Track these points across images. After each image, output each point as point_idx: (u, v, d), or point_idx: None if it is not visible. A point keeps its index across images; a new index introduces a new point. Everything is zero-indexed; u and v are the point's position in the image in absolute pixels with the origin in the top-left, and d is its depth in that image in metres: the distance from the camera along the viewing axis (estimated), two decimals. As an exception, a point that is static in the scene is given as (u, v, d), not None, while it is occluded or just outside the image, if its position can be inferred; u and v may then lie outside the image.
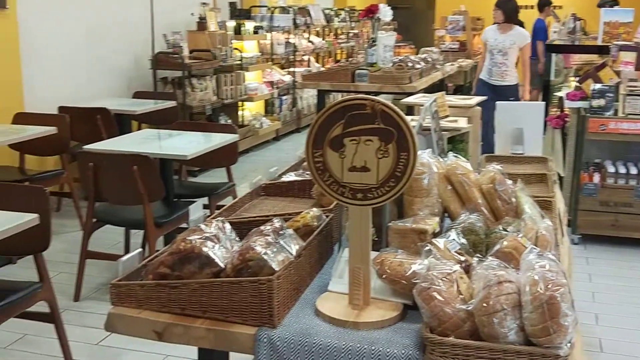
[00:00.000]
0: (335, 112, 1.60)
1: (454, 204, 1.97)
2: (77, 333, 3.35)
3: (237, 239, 1.79)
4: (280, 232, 1.75)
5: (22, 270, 4.03)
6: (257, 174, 2.66)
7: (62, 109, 5.22)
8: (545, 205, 2.40)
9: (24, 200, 2.75)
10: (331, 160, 1.62)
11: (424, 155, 1.92)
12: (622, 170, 4.60)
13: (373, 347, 1.47)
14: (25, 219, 2.49)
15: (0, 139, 4.20)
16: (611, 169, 4.62)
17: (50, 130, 4.46)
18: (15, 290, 2.68)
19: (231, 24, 7.81)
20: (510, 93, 6.30)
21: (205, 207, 4.13)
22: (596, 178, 4.59)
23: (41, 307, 2.89)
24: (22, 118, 4.82)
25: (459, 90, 8.85)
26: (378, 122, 1.57)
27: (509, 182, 2.04)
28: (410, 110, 3.85)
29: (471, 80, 8.86)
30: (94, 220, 3.84)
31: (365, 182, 1.61)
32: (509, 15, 6.38)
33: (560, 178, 5.15)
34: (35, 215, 2.52)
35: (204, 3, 7.27)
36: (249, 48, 8.36)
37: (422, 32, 14.12)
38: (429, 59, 6.96)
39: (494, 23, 6.56)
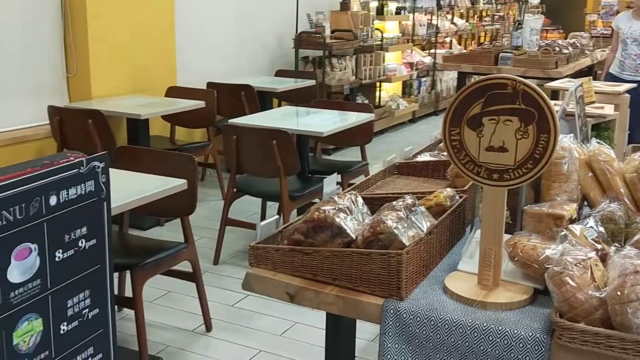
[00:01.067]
0: (476, 90, 1.60)
1: (594, 192, 1.91)
2: (215, 294, 3.56)
3: (369, 212, 1.84)
4: (412, 208, 1.77)
5: (168, 232, 4.34)
6: (391, 154, 2.69)
7: (210, 84, 5.51)
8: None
9: (175, 167, 2.95)
10: (468, 139, 1.62)
11: (565, 140, 1.87)
12: None
13: (500, 327, 1.47)
14: (175, 184, 2.68)
15: (155, 110, 4.50)
16: None
17: (199, 104, 4.72)
18: (163, 249, 2.90)
19: (374, 4, 7.84)
20: None
21: (337, 184, 4.23)
22: None
23: (184, 267, 3.11)
24: (174, 92, 5.14)
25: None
26: (519, 102, 1.55)
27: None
28: (554, 95, 3.72)
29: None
30: (234, 190, 4.04)
31: (502, 163, 1.60)
32: None
33: None
34: (184, 181, 2.71)
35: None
36: (390, 29, 8.35)
37: (572, 16, 13.43)
38: (578, 44, 6.64)
39: (627, 7, 6.03)
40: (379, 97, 7.98)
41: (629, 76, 5.74)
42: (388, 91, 8.29)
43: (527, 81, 1.55)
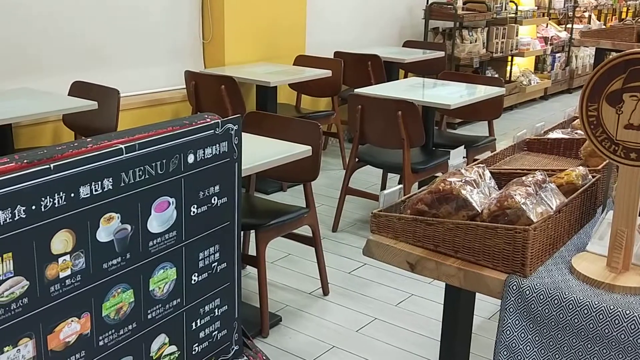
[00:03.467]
0: (617, 65, 1.52)
1: None
2: (333, 260, 3.64)
3: (496, 187, 1.81)
4: (543, 185, 1.73)
5: (290, 198, 4.46)
6: (520, 131, 2.62)
7: (337, 54, 5.55)
8: None
9: (300, 133, 3.03)
10: (606, 116, 1.55)
11: None
12: None
13: (628, 312, 1.41)
14: (300, 150, 2.75)
15: (283, 78, 4.62)
16: None
17: (326, 73, 4.78)
18: (286, 213, 2.99)
19: (509, -25, 7.56)
20: None
21: (463, 158, 4.16)
22: None
23: (305, 231, 3.19)
24: (302, 60, 5.23)
25: None
26: (664, 79, 1.47)
27: None
28: None
29: None
30: (356, 160, 4.08)
31: (642, 142, 1.52)
32: None
33: None
34: (308, 147, 2.77)
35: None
36: (525, 1, 8.03)
37: None
38: None
39: None
40: (510, 71, 7.72)
41: None
42: (520, 66, 8.01)
43: (677, 56, 1.46)
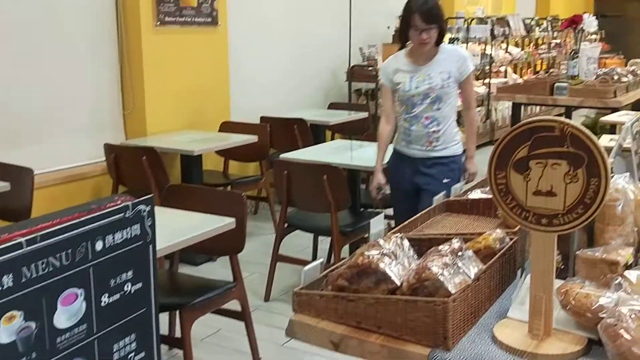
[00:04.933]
0: (521, 133, 1.55)
1: (653, 234, 1.82)
2: (265, 332, 3.55)
3: (415, 256, 1.80)
4: (460, 253, 1.73)
5: (221, 268, 4.36)
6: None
7: (263, 118, 5.57)
8: None
9: (225, 204, 2.98)
10: (515, 183, 1.58)
11: (620, 181, 1.80)
12: None
13: (551, 382, 1.40)
14: (223, 223, 2.70)
15: (208, 145, 4.58)
16: None
17: (252, 138, 4.78)
18: (212, 288, 2.91)
19: (426, 35, 7.82)
20: None
21: (390, 217, 4.18)
22: None
23: (234, 305, 3.11)
24: (227, 126, 5.22)
25: (673, 105, 8.08)
26: (567, 145, 1.50)
27: None
28: (613, 127, 3.61)
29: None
30: (286, 225, 4.04)
31: (551, 208, 1.54)
32: None
33: None
34: (232, 220, 2.72)
35: (399, 16, 7.35)
36: (443, 59, 8.30)
37: (634, 42, 13.12)
38: (638, 72, 6.45)
39: None
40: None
41: None
42: (442, 121, 8.21)
43: (576, 124, 1.50)
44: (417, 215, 2.42)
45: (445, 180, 3.40)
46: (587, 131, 1.49)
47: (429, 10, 3.22)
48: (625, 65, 7.54)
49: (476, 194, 2.68)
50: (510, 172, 1.58)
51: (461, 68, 3.39)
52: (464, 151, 3.63)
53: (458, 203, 2.60)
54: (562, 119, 1.52)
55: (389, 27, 7.30)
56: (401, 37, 3.37)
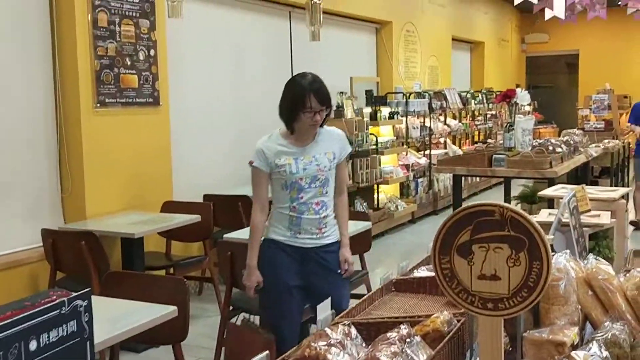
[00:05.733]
0: (463, 218, 1.56)
1: (596, 311, 1.84)
2: (211, 421, 3.40)
3: (364, 344, 1.76)
4: (408, 339, 1.70)
5: (164, 355, 4.19)
6: (392, 259, 2.64)
7: (206, 197, 5.52)
8: None
9: (166, 291, 2.89)
10: (459, 268, 1.57)
11: (561, 259, 1.82)
12: None
13: None
14: (165, 312, 2.60)
15: (150, 227, 4.48)
16: None
17: (195, 218, 4.71)
18: (154, 379, 2.78)
19: (367, 110, 7.99)
20: None
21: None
22: None
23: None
24: (170, 206, 5.14)
25: (605, 173, 8.40)
26: (508, 229, 1.51)
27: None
28: (550, 201, 3.69)
29: (619, 161, 8.42)
30: (231, 307, 3.94)
31: (496, 292, 1.54)
32: None
33: None
34: (174, 308, 2.63)
35: (341, 92, 7.52)
36: (384, 132, 8.48)
37: (565, 112, 13.72)
38: (571, 142, 6.70)
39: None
40: (378, 199, 7.98)
41: None
42: (386, 193, 8.32)
43: (515, 207, 1.52)
44: (364, 297, 2.39)
45: (337, 271, 3.25)
46: (527, 215, 1.51)
47: (322, 91, 3.08)
48: (559, 135, 7.84)
49: (422, 272, 2.68)
50: (454, 257, 1.57)
51: (343, 149, 3.26)
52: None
53: (405, 282, 2.59)
54: (501, 203, 1.54)
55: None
56: (289, 117, 3.11)
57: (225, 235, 4.10)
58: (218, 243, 3.98)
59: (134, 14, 5.07)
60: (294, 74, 3.24)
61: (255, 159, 3.19)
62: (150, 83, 5.24)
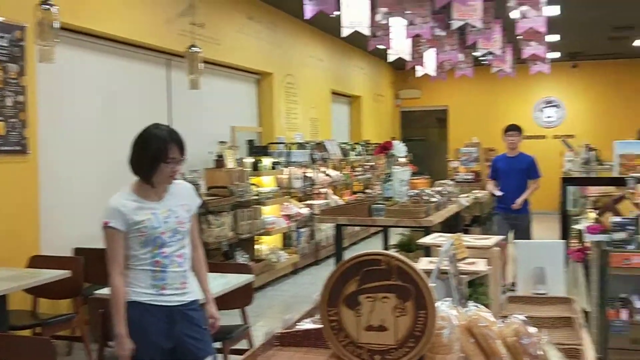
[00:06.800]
0: (350, 268, 1.55)
1: (477, 358, 1.86)
2: None
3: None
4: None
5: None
6: (274, 311, 2.57)
7: (77, 250, 5.22)
8: (573, 354, 2.28)
9: (31, 352, 2.66)
10: (347, 319, 1.55)
11: (443, 308, 1.83)
12: (651, 305, 4.42)
13: None
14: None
15: (14, 284, 4.16)
16: (639, 305, 4.45)
17: (65, 273, 4.43)
18: None
19: (249, 160, 7.96)
20: None
21: (219, 351, 4.00)
22: (624, 314, 4.41)
23: None
24: (37, 261, 4.82)
25: (475, 222, 8.80)
26: (394, 278, 1.51)
27: (534, 330, 1.93)
28: (426, 249, 3.78)
29: (489, 210, 8.85)
30: (104, 367, 3.71)
31: (384, 342, 1.52)
32: None
33: (586, 312, 4.97)
34: (40, 371, 2.43)
35: (222, 142, 7.45)
36: (266, 182, 8.47)
37: (437, 163, 14.34)
38: (445, 192, 6.97)
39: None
40: (259, 250, 7.90)
41: None
42: (268, 244, 8.25)
43: (401, 257, 1.52)
44: (246, 355, 2.30)
45: (204, 327, 3.19)
46: (413, 264, 1.51)
47: (182, 140, 3.06)
48: (432, 186, 8.14)
49: (307, 325, 2.63)
50: (341, 308, 1.55)
51: (194, 201, 3.23)
52: None
53: (289, 335, 2.52)
54: (388, 252, 1.53)
55: (210, 153, 7.34)
56: (149, 170, 3.02)
57: (96, 292, 3.87)
58: (89, 299, 3.75)
59: (1, 58, 4.80)
60: (164, 123, 3.17)
61: (111, 218, 3.05)
62: (18, 130, 4.95)
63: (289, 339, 2.52)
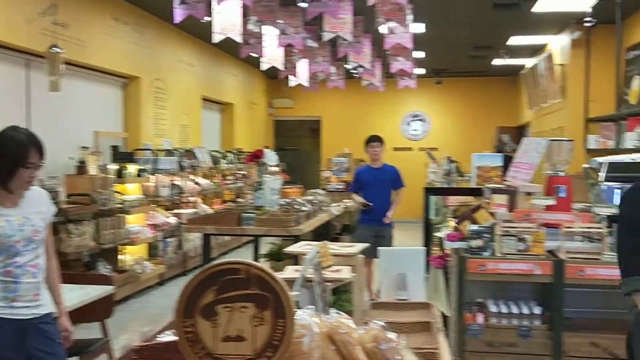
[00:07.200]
0: (207, 277, 1.50)
1: (338, 366, 1.86)
2: None
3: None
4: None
5: None
6: (138, 324, 2.47)
7: None
8: (431, 358, 2.35)
9: None
10: (203, 330, 1.50)
11: (304, 316, 1.82)
12: (504, 309, 4.67)
13: None
14: None
15: None
16: (493, 309, 4.68)
17: None
18: None
19: (113, 167, 7.66)
20: None
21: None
22: (480, 318, 4.62)
23: None
24: None
25: (345, 230, 8.98)
26: (253, 287, 1.48)
27: (393, 336, 1.97)
28: (296, 257, 3.79)
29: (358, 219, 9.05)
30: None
31: (241, 353, 1.49)
32: None
33: (446, 317, 5.18)
34: None
35: (84, 147, 7.12)
36: (131, 190, 8.18)
37: (309, 173, 14.53)
38: (315, 201, 7.05)
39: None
40: (123, 261, 7.60)
41: None
42: (133, 254, 7.97)
43: (261, 265, 1.50)
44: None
45: (58, 340, 3.06)
46: (271, 272, 1.49)
47: (41, 144, 2.94)
48: (304, 193, 8.21)
49: (167, 336, 2.54)
50: (197, 319, 1.50)
51: (49, 209, 3.12)
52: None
53: (148, 349, 2.42)
54: (247, 261, 1.50)
55: (71, 158, 6.98)
56: (8, 174, 2.86)
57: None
58: None
59: None
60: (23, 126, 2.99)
61: None
62: None
63: (147, 352, 2.43)
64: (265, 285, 1.47)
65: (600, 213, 4.77)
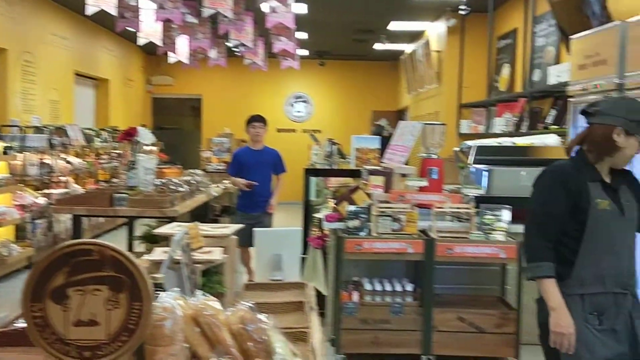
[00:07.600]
0: (58, 259, 1.41)
1: (202, 348, 1.81)
2: None
3: None
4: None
5: None
6: (3, 310, 2.30)
7: None
8: (301, 337, 2.36)
9: None
10: (53, 315, 1.40)
11: (167, 298, 1.76)
12: (379, 287, 4.80)
13: None
14: None
15: None
16: (368, 287, 4.80)
17: None
18: None
19: (-25, 144, 7.15)
20: None
21: None
22: (355, 296, 4.72)
23: None
24: None
25: (225, 212, 8.88)
26: (107, 269, 1.40)
27: (262, 317, 1.95)
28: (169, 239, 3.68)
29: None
30: None
31: (95, 338, 1.41)
32: None
33: (325, 297, 5.25)
34: None
35: None
36: (-3, 169, 7.69)
37: (190, 153, 14.21)
38: (193, 182, 6.90)
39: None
40: (-14, 244, 7.15)
41: None
42: (-2, 237, 7.50)
43: (116, 246, 1.42)
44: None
45: None
46: (128, 254, 1.42)
47: None
48: (183, 175, 8.02)
49: (23, 323, 2.39)
50: (47, 303, 1.40)
51: None
52: None
53: (3, 334, 2.27)
54: (101, 242, 1.42)
55: None
56: None
57: None
58: None
59: None
60: None
61: None
62: None
63: (3, 338, 2.28)
64: (120, 267, 1.40)
65: (468, 194, 4.98)
